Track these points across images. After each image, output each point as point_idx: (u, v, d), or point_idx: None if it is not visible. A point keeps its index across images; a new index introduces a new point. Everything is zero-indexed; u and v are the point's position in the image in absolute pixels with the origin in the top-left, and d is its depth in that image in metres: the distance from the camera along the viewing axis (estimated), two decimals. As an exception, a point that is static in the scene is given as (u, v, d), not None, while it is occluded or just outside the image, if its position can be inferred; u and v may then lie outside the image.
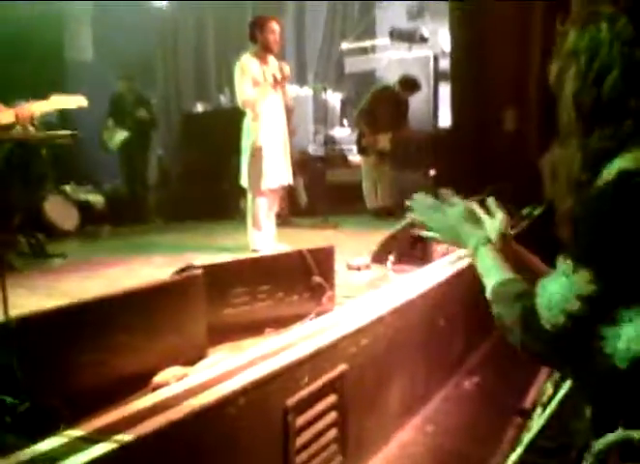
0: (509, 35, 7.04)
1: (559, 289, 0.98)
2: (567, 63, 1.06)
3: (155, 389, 1.84)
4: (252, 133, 4.41)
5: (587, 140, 1.03)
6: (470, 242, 1.23)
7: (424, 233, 1.35)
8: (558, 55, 1.09)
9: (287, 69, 4.51)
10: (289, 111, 4.67)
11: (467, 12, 7.41)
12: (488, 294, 1.14)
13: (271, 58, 4.53)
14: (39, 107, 3.68)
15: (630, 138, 0.99)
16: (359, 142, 6.66)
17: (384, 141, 6.49)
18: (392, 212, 6.44)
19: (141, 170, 7.28)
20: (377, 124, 6.50)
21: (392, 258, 3.63)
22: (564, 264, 1.00)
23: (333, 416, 2.18)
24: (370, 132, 6.52)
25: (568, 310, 0.97)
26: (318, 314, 2.55)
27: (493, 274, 1.15)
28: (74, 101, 3.73)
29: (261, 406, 1.86)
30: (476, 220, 1.28)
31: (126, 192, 7.27)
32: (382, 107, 6.52)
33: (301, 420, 2.00)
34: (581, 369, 1.01)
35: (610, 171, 0.97)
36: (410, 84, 6.58)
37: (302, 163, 6.82)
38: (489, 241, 1.22)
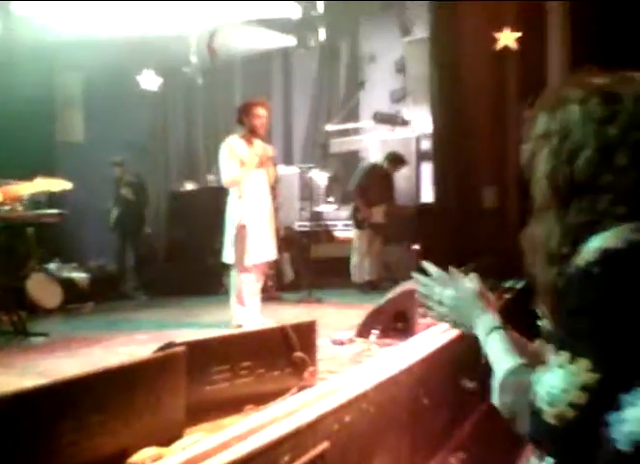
0: (488, 116, 7.34)
1: (558, 382, 0.96)
2: (539, 145, 1.10)
3: (129, 470, 1.78)
4: (237, 212, 4.50)
5: (564, 213, 1.05)
6: (483, 324, 1.21)
7: (431, 314, 1.31)
8: (529, 138, 1.13)
9: (270, 150, 4.70)
10: (272, 189, 4.82)
11: (447, 96, 7.76)
12: (497, 381, 1.12)
13: (256, 141, 4.70)
14: (24, 189, 3.75)
15: (608, 213, 1.00)
16: (355, 217, 6.89)
17: (378, 213, 6.79)
18: (377, 285, 6.49)
19: (132, 247, 7.40)
20: (371, 198, 6.83)
21: (376, 332, 3.62)
22: (556, 355, 0.98)
23: (315, 497, 2.10)
24: (366, 206, 6.75)
25: (574, 403, 0.94)
26: (300, 390, 2.52)
27: (505, 360, 1.13)
28: (58, 185, 3.81)
29: (239, 487, 1.81)
30: (486, 302, 1.26)
31: (114, 269, 7.33)
32: (374, 183, 6.89)
33: (281, 503, 1.94)
34: (589, 458, 0.97)
35: (590, 250, 0.97)
36: (397, 160, 7.06)
37: (288, 239, 6.90)
38: (502, 326, 1.20)
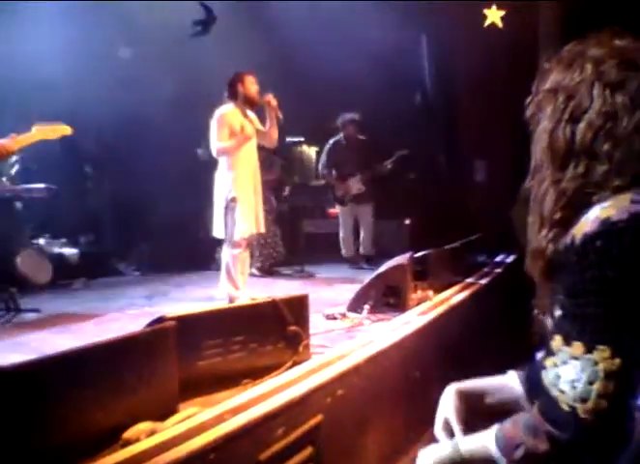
0: (478, 89, 7.31)
1: (580, 375, 0.90)
2: (546, 99, 1.06)
3: (124, 444, 1.78)
4: (226, 184, 4.45)
5: (559, 177, 1.02)
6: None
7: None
8: (537, 91, 1.09)
9: (273, 99, 4.57)
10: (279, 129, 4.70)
11: (437, 68, 7.70)
12: (497, 447, 1.02)
13: (248, 111, 4.63)
14: (24, 141, 3.52)
15: (602, 186, 0.97)
16: (334, 195, 6.79)
17: (356, 184, 6.63)
18: (371, 260, 6.45)
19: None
20: (343, 171, 6.68)
21: (367, 307, 3.63)
22: (567, 346, 0.92)
23: (308, 469, 2.13)
24: (340, 182, 6.66)
25: (604, 393, 0.89)
26: (294, 364, 2.53)
27: (485, 436, 1.05)
28: (57, 131, 3.58)
29: (233, 461, 1.82)
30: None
31: (105, 245, 7.31)
32: (339, 156, 6.71)
33: (275, 475, 1.95)
34: (622, 446, 0.94)
35: (589, 220, 0.93)
36: (347, 121, 6.69)
37: (278, 214, 6.86)
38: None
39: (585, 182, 0.99)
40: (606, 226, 0.90)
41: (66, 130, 3.60)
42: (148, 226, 7.25)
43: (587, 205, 0.97)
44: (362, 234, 6.73)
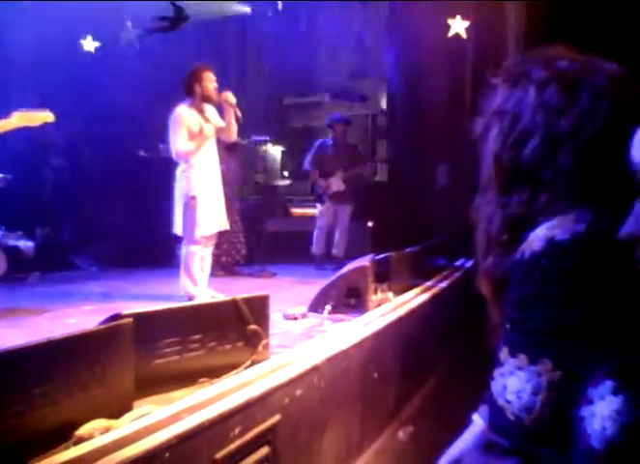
0: (443, 94, 7.42)
1: (525, 386, 0.92)
2: (493, 121, 1.06)
3: (77, 442, 1.75)
4: (186, 183, 4.40)
5: (505, 201, 1.02)
6: None
7: None
8: (484, 111, 1.08)
9: (232, 97, 4.50)
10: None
11: (404, 74, 7.79)
12: None
13: (207, 107, 4.57)
14: (1, 127, 3.40)
15: (546, 209, 0.97)
16: (314, 191, 6.83)
17: (337, 182, 6.66)
18: (341, 261, 6.34)
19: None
20: (326, 169, 6.75)
21: (328, 307, 3.64)
22: (513, 358, 0.94)
23: (264, 469, 2.12)
24: (322, 178, 6.73)
25: (548, 402, 0.91)
26: (253, 363, 2.51)
27: None
28: (39, 118, 3.48)
29: (188, 460, 1.80)
30: None
31: (62, 238, 7.15)
32: (324, 154, 6.81)
33: (230, 475, 1.94)
34: (567, 457, 0.93)
35: (536, 237, 0.94)
36: (334, 122, 6.87)
37: (241, 213, 6.82)
38: None
39: (529, 208, 1.00)
40: (551, 246, 0.92)
41: (48, 116, 3.50)
42: (107, 220, 7.12)
43: (533, 226, 0.97)
44: (336, 235, 6.74)
